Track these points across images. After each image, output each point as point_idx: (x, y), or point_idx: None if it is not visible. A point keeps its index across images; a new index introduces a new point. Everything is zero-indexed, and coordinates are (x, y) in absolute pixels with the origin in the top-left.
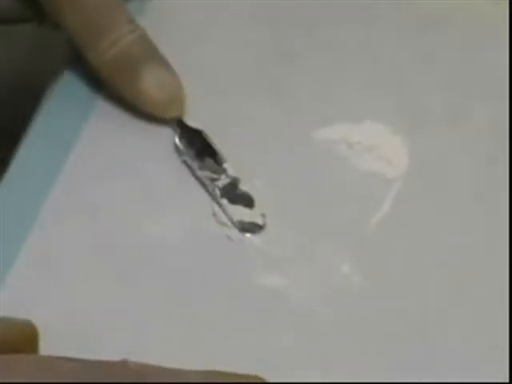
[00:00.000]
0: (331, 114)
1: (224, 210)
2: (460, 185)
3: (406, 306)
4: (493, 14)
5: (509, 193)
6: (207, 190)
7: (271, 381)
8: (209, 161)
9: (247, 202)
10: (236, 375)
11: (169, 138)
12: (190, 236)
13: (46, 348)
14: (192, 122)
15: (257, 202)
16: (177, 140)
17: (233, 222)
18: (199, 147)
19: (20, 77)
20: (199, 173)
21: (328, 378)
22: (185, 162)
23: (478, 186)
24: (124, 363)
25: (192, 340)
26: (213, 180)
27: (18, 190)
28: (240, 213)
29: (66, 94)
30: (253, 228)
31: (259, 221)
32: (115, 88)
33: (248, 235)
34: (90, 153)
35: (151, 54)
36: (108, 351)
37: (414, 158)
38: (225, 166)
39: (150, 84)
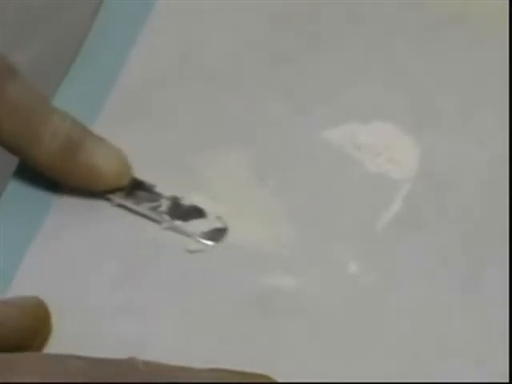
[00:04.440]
0: (340, 114)
1: (181, 231)
2: (470, 186)
3: (416, 307)
4: (505, 13)
5: (509, 194)
6: (155, 220)
7: (280, 381)
8: (140, 193)
9: (198, 213)
10: (245, 374)
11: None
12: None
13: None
14: None
15: (206, 209)
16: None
17: (195, 238)
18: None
19: None
20: (138, 208)
21: (338, 378)
22: (120, 206)
23: (489, 187)
24: (132, 362)
25: (201, 339)
26: (154, 208)
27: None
28: (198, 226)
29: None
30: (218, 234)
31: (219, 224)
32: (65, 176)
33: (215, 243)
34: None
35: (88, 132)
36: (113, 349)
37: (424, 159)
38: (156, 190)
39: (102, 161)
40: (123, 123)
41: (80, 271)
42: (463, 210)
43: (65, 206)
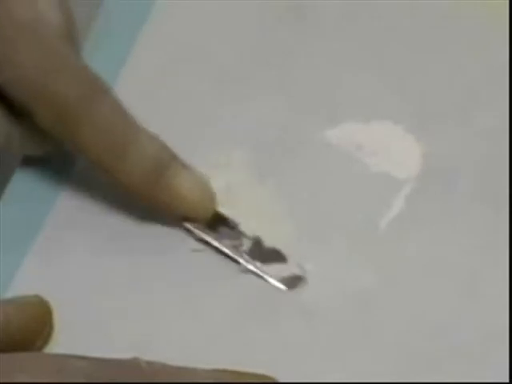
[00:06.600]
0: (340, 114)
1: (260, 273)
2: (472, 185)
3: (416, 306)
4: (505, 13)
5: (509, 193)
6: (232, 259)
7: (281, 381)
8: (223, 229)
9: (278, 257)
10: (246, 374)
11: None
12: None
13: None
14: None
15: (287, 253)
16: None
17: (272, 281)
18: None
19: None
20: (218, 244)
21: (338, 378)
22: (200, 240)
23: (491, 187)
24: (135, 362)
25: (203, 339)
26: (235, 247)
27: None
28: (277, 270)
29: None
30: (295, 281)
31: (298, 272)
32: (148, 198)
33: (289, 290)
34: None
35: (176, 157)
36: (116, 349)
37: (426, 158)
38: (240, 228)
39: (186, 187)
40: None
41: (82, 271)
42: (465, 210)
43: (67, 205)
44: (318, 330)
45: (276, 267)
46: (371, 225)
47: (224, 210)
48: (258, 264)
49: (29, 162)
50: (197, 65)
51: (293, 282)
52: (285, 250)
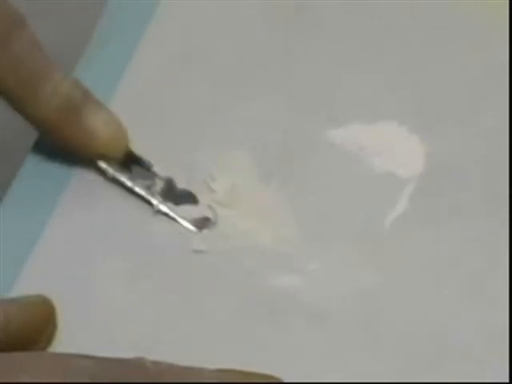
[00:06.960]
0: (343, 114)
1: (171, 213)
2: (475, 184)
3: (417, 306)
4: (506, 12)
5: (509, 193)
6: (145, 200)
7: (286, 381)
8: (136, 169)
9: (190, 198)
10: (252, 374)
11: None
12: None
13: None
14: None
15: (199, 195)
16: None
17: (183, 222)
18: (121, 159)
19: None
20: (131, 185)
21: (339, 378)
22: (114, 180)
23: (494, 186)
24: (141, 362)
25: (205, 339)
26: (148, 187)
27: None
28: (188, 211)
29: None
30: (205, 223)
31: (209, 214)
32: (61, 136)
33: (198, 231)
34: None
35: (89, 95)
36: (121, 348)
37: (430, 158)
38: (153, 169)
39: (99, 124)
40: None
41: (85, 271)
42: (468, 209)
43: (70, 205)
44: (319, 330)
45: (187, 208)
46: (375, 224)
47: (226, 210)
48: (170, 205)
49: (31, 161)
50: (200, 65)
51: (202, 223)
52: (287, 251)
